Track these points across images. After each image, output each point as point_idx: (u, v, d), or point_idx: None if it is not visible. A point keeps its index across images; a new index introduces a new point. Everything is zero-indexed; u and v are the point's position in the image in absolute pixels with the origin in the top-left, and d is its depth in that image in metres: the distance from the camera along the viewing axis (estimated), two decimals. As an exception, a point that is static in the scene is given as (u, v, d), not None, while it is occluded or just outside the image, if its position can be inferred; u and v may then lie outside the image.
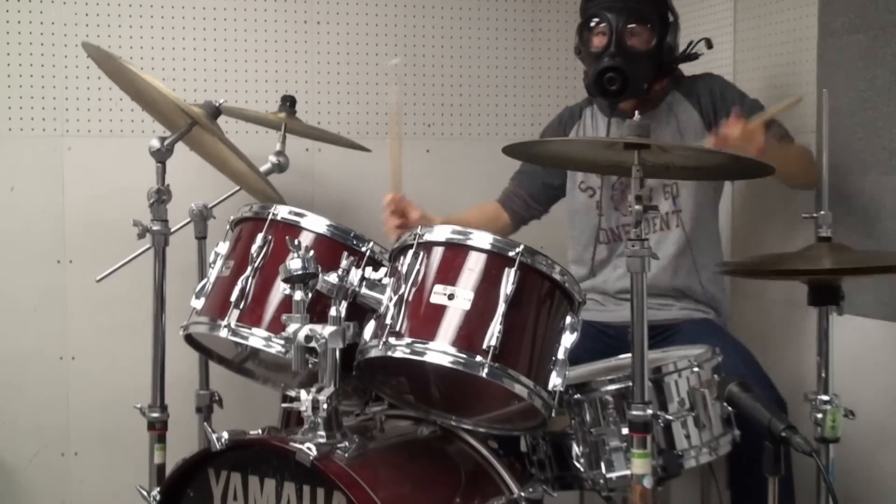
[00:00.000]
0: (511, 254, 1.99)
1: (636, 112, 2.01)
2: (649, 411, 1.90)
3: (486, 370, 1.93)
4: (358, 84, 3.19)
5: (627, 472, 1.97)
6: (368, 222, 2.58)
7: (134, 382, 2.69)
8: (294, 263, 2.01)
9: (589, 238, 2.74)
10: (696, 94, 2.67)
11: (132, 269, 2.65)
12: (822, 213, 2.08)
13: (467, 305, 1.97)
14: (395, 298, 2.01)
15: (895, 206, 2.46)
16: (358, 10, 3.19)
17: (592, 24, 2.64)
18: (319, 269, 2.02)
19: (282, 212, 2.25)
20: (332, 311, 2.02)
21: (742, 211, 2.99)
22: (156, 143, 2.37)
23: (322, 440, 1.96)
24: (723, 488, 2.40)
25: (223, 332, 2.19)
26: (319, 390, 1.98)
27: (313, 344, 1.97)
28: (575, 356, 2.06)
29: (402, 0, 3.22)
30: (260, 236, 2.23)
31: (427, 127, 3.27)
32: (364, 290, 2.06)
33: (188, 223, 2.66)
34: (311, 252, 2.04)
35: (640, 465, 1.90)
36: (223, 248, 2.32)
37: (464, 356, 1.94)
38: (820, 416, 2.01)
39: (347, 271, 2.05)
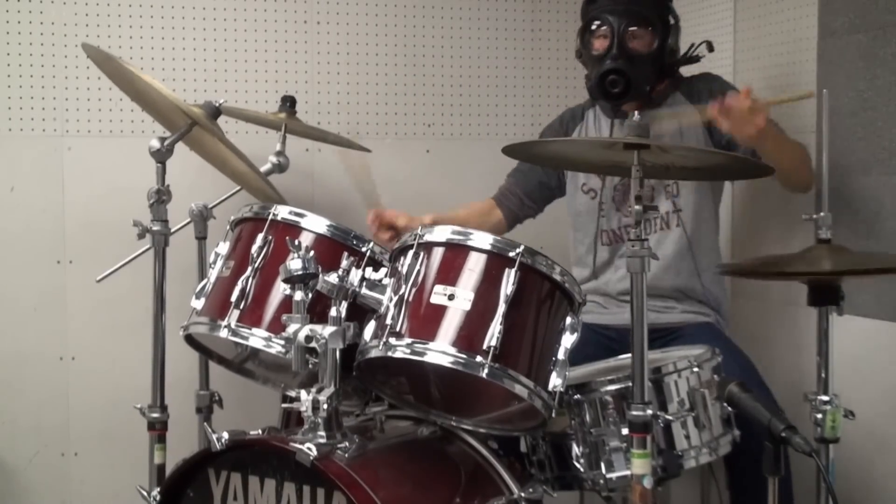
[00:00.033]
0: (511, 254, 2.00)
1: (636, 112, 2.01)
2: (649, 411, 1.90)
3: (486, 370, 1.93)
4: (358, 84, 3.19)
5: (627, 473, 1.97)
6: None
7: (134, 382, 2.70)
8: (294, 264, 2.01)
9: (591, 240, 2.74)
10: (697, 95, 2.67)
11: (132, 270, 2.65)
12: (822, 214, 2.07)
13: (467, 306, 1.97)
14: (395, 299, 2.01)
15: (895, 206, 2.46)
16: (358, 10, 3.19)
17: (594, 27, 2.64)
18: (319, 269, 2.02)
19: (282, 212, 2.25)
20: (333, 312, 2.02)
21: (742, 212, 2.99)
22: (156, 144, 2.37)
23: (322, 440, 1.96)
24: (723, 488, 2.40)
25: (223, 333, 2.19)
26: (319, 390, 1.98)
27: (313, 344, 1.97)
28: (577, 360, 2.06)
29: (402, 0, 3.22)
30: (260, 236, 2.23)
31: (427, 127, 3.27)
32: (364, 291, 2.06)
33: (188, 223, 2.66)
34: (312, 252, 2.04)
35: (639, 466, 1.90)
36: (223, 248, 2.32)
37: (464, 356, 1.94)
38: (820, 416, 2.01)
39: (347, 271, 2.05)
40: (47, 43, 2.93)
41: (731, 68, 2.97)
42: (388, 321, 2.00)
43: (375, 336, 2.02)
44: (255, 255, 2.21)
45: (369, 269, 2.10)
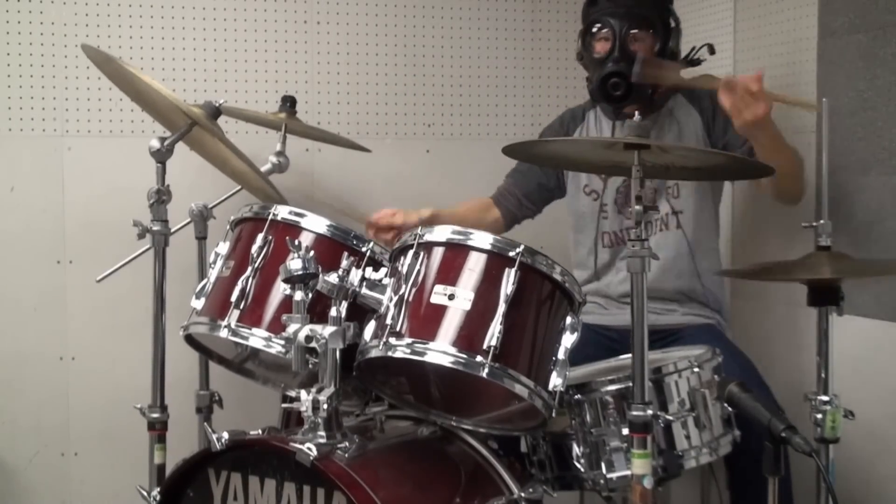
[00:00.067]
0: (511, 254, 2.00)
1: (636, 113, 2.01)
2: (649, 412, 1.90)
3: (486, 370, 1.93)
4: (358, 84, 3.19)
5: (628, 473, 1.97)
6: (368, 223, 2.60)
7: (134, 382, 2.70)
8: (294, 264, 2.01)
9: (591, 241, 2.74)
10: (698, 96, 2.68)
11: (132, 270, 2.65)
12: (822, 222, 2.07)
13: (468, 305, 1.97)
14: (395, 299, 2.01)
15: (895, 207, 2.46)
16: (358, 10, 3.19)
17: (595, 29, 2.64)
18: (320, 269, 2.02)
19: (282, 212, 2.25)
20: (333, 312, 2.02)
21: (742, 218, 2.99)
22: (156, 144, 2.37)
23: (322, 440, 1.96)
24: (723, 488, 2.40)
25: (223, 333, 2.19)
26: (320, 390, 1.98)
27: (313, 344, 1.97)
28: (577, 360, 2.06)
29: (402, 0, 3.22)
30: (260, 236, 2.23)
31: (427, 127, 3.27)
32: (364, 291, 2.06)
33: (188, 223, 2.66)
34: (312, 252, 2.04)
35: (640, 466, 1.90)
36: (223, 248, 2.32)
37: (464, 356, 1.94)
38: (820, 416, 2.01)
39: (348, 271, 2.05)
40: (47, 43, 2.93)
41: (732, 69, 2.97)
42: (389, 321, 2.00)
43: (375, 336, 2.02)
44: (255, 255, 2.21)
45: (369, 269, 2.10)
